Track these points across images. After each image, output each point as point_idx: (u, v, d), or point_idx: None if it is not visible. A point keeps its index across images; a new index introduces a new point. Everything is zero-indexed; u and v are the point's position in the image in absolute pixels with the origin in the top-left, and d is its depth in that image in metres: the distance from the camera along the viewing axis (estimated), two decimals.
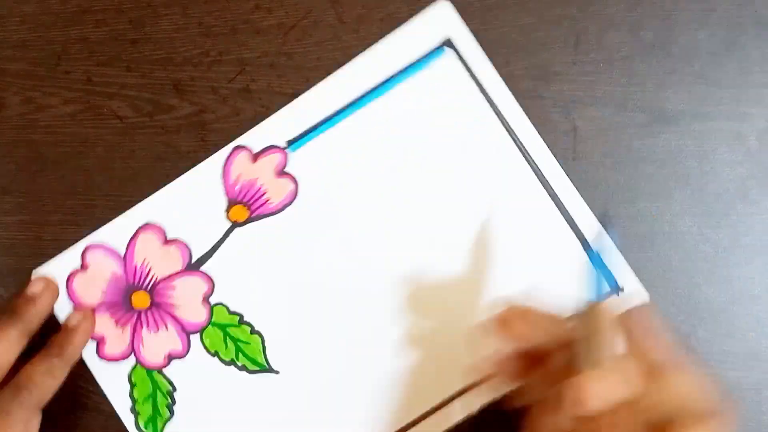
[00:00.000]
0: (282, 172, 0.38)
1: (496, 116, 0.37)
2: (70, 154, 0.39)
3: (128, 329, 0.38)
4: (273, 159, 0.38)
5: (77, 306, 0.37)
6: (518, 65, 0.38)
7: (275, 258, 0.37)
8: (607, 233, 0.36)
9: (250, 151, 0.38)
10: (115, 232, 0.38)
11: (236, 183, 0.38)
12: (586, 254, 0.36)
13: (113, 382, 0.38)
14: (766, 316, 0.37)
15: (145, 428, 0.37)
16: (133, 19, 0.39)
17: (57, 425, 0.37)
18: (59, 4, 0.39)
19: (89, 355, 0.37)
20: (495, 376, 0.31)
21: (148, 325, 0.38)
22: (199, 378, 0.37)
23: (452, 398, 0.36)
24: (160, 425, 0.37)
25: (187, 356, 0.37)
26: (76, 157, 0.39)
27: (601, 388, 0.25)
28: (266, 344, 0.37)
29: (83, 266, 0.38)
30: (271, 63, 0.39)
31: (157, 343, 0.38)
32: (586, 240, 0.37)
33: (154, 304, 0.38)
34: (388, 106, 0.37)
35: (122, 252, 0.38)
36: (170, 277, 0.38)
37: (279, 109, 0.38)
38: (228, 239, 0.38)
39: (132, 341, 0.38)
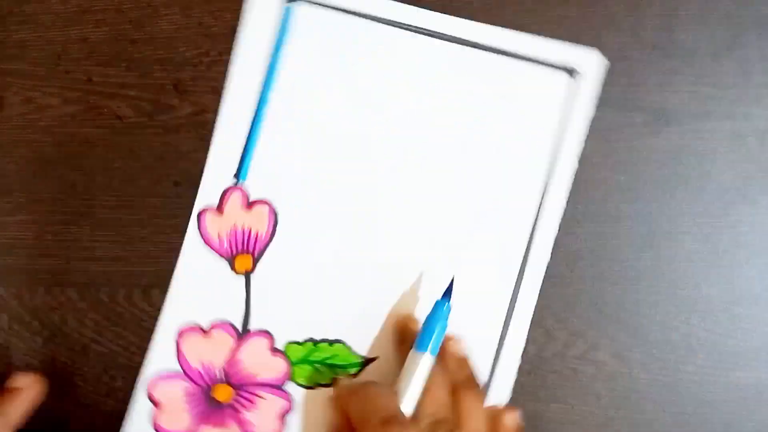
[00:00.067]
0: (249, 204, 0.38)
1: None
2: (70, 154, 0.39)
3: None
4: (235, 199, 0.38)
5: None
6: None
7: (305, 275, 0.38)
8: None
9: (212, 208, 0.38)
10: (163, 352, 0.38)
11: (220, 240, 0.38)
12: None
13: None
14: (766, 316, 0.37)
15: None
16: (133, 19, 0.39)
17: None
18: (59, 4, 0.39)
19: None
20: None
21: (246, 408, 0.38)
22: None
23: None
24: None
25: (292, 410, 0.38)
26: (76, 157, 0.39)
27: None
28: (350, 344, 0.38)
29: (156, 404, 0.38)
30: None
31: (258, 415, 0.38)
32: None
33: (236, 387, 0.38)
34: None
35: (178, 368, 0.38)
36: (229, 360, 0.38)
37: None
38: (253, 289, 0.38)
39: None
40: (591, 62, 0.37)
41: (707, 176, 0.38)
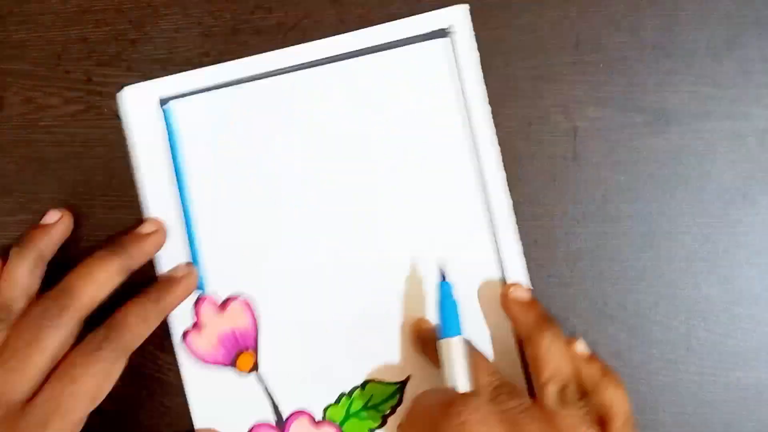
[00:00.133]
0: (222, 305, 0.38)
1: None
2: (70, 154, 0.39)
3: None
4: (207, 309, 0.38)
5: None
6: (518, 65, 0.38)
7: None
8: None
9: (190, 328, 0.38)
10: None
11: (214, 352, 0.38)
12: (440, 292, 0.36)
13: None
14: (766, 316, 0.37)
15: None
16: (133, 19, 0.39)
17: None
18: (59, 4, 0.39)
19: None
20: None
21: None
22: None
23: None
24: None
25: None
26: (76, 157, 0.39)
27: None
28: (380, 378, 0.38)
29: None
30: None
31: None
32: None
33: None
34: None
35: None
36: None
37: None
38: (266, 378, 0.38)
39: None
40: (456, 14, 0.38)
41: (707, 176, 0.38)
